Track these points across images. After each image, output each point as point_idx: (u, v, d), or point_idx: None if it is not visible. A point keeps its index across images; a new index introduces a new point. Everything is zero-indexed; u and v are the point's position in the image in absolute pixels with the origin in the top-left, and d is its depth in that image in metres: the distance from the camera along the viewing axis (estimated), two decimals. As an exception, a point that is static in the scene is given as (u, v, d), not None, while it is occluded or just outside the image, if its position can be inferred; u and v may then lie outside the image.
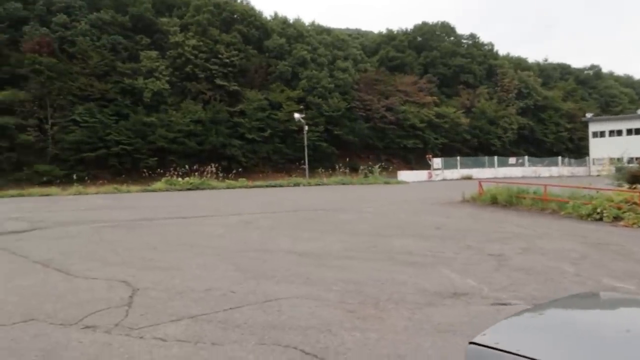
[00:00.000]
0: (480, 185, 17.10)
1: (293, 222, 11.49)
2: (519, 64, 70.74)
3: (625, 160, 45.82)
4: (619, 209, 11.70)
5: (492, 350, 1.25)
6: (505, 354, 1.20)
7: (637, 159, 43.05)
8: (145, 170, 34.52)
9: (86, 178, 32.55)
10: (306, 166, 34.05)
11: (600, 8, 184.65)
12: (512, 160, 49.30)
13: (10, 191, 24.72)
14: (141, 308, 4.54)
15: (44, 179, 36.18)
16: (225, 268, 6.32)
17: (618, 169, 17.60)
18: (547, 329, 1.52)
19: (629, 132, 55.43)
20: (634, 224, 10.73)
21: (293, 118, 41.87)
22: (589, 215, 11.98)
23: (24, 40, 40.72)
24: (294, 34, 53.39)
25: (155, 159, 41.38)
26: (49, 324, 4.12)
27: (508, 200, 15.13)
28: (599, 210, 11.91)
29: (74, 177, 28.80)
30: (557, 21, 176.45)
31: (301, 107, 45.27)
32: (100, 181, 32.52)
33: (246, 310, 4.47)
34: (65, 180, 33.13)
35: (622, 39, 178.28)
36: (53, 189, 24.64)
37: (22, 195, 22.51)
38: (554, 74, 75.66)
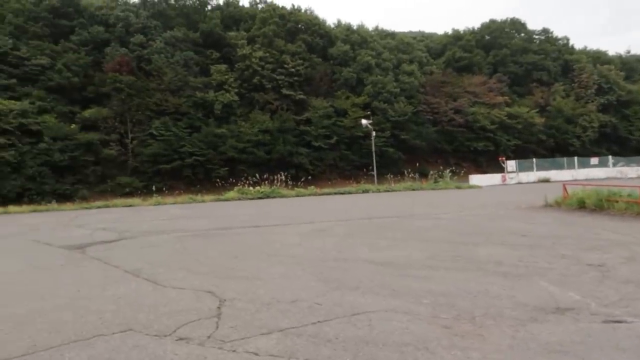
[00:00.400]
0: (565, 189, 16.04)
1: (368, 229, 11.29)
2: (598, 58, 66.30)
3: None
4: None
5: None
6: None
7: None
8: (217, 180, 35.67)
9: (164, 189, 34.14)
10: (374, 172, 33.70)
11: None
12: (593, 160, 46.13)
13: (97, 202, 26.41)
14: (230, 320, 4.54)
15: (126, 190, 38.45)
16: (307, 278, 6.24)
17: None
18: None
19: None
20: None
21: (358, 124, 41.78)
22: (696, 219, 10.84)
23: (106, 61, 43.69)
24: (357, 40, 53.38)
25: (226, 168, 42.81)
26: (145, 335, 4.20)
27: (597, 204, 14.02)
28: None
29: (153, 188, 30.35)
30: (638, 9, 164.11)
31: (368, 112, 45.02)
32: (177, 191, 34.02)
33: (335, 324, 4.34)
34: (145, 191, 35.02)
35: None
36: (135, 200, 26.02)
37: (107, 207, 23.89)
38: (638, 67, 70.32)
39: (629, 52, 74.53)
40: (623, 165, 44.59)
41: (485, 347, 3.69)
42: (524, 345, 3.71)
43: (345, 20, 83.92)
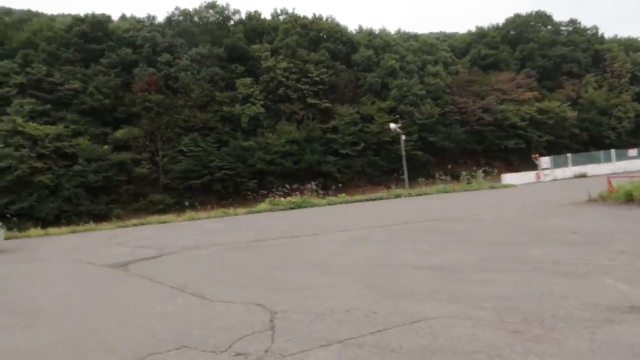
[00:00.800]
0: (610, 182, 15.41)
1: (408, 234, 11.03)
2: (630, 45, 64.22)
3: None
4: None
5: None
6: None
7: None
8: (248, 192, 35.90)
9: (195, 204, 34.53)
10: (405, 176, 33.30)
11: None
12: (632, 152, 44.54)
13: (132, 220, 26.86)
14: (285, 332, 4.39)
15: (159, 207, 39.06)
16: (356, 286, 6.05)
17: None
18: None
19: None
20: None
21: (385, 129, 41.47)
22: None
23: (135, 82, 44.77)
24: (380, 44, 53.22)
25: (255, 181, 43.09)
26: (201, 351, 4.09)
27: (647, 196, 13.39)
28: None
29: (186, 204, 30.73)
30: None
31: (397, 116, 44.66)
32: (209, 206, 34.34)
33: (396, 332, 4.13)
34: (177, 208, 35.48)
35: None
36: (169, 217, 26.33)
37: (143, 224, 24.22)
38: (672, 52, 67.68)
39: (662, 37, 72.07)
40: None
41: (564, 352, 3.43)
42: (608, 349, 3.43)
43: (366, 25, 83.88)
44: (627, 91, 56.95)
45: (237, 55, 50.26)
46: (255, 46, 50.52)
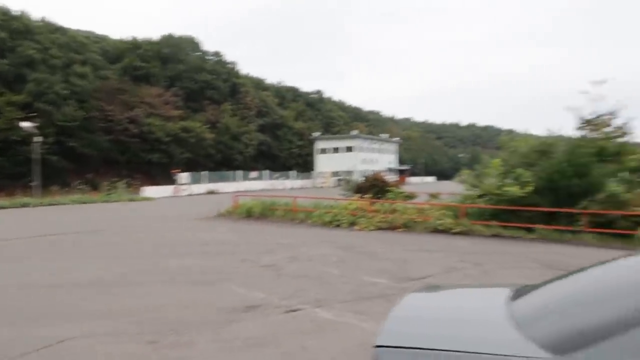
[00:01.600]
0: (235, 200, 18.01)
1: (46, 248, 10.04)
2: (259, 84, 76.52)
3: (341, 174, 54.73)
4: (353, 215, 14.07)
5: (402, 349, 1.44)
6: (419, 350, 1.42)
7: (349, 172, 51.88)
8: None
9: None
10: (39, 183, 29.58)
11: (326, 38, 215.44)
12: (253, 174, 53.06)
13: None
14: None
15: None
16: (-24, 314, 5.24)
17: (346, 182, 20.92)
18: (432, 319, 1.73)
19: (347, 149, 66.59)
20: (365, 227, 13.10)
21: (15, 127, 35.82)
22: (330, 222, 14.01)
23: None
24: (19, 28, 45.64)
25: None
26: None
27: (262, 212, 16.41)
28: (338, 217, 14.08)
29: None
30: (287, 49, 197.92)
31: (32, 114, 38.83)
32: None
33: (35, 358, 3.89)
34: None
35: (340, 70, 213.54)
36: None
37: None
38: (287, 95, 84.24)
39: (280, 82, 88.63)
40: (278, 178, 52.88)
41: (195, 355, 4.01)
42: (230, 345, 4.22)
43: (1, 2, 70.17)
44: (253, 122, 67.36)
45: None
46: None
